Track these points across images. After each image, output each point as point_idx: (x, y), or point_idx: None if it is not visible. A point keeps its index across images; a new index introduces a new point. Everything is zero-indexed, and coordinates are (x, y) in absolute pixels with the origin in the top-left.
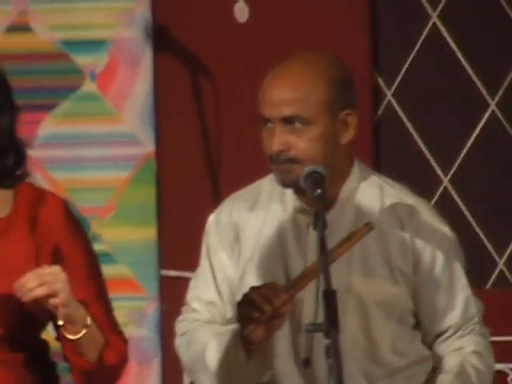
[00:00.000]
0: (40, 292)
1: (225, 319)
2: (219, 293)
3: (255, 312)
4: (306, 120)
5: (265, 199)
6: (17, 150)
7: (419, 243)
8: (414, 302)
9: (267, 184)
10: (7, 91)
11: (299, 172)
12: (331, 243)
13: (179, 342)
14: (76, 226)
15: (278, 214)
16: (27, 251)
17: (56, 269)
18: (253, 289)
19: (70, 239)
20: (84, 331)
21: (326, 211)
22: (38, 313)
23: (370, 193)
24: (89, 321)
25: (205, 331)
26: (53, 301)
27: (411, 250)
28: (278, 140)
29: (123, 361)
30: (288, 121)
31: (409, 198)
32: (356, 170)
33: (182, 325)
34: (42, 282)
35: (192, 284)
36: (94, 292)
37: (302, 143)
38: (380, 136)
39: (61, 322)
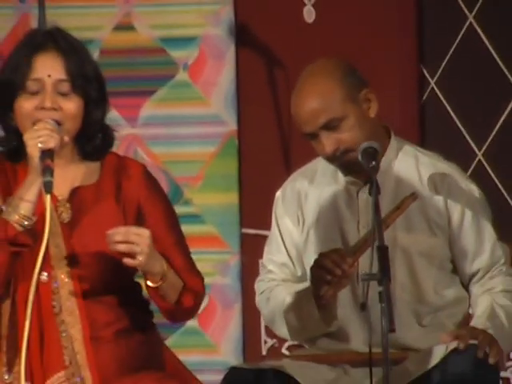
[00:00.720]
0: (121, 248)
1: (296, 277)
2: (289, 255)
3: (327, 275)
4: (338, 118)
5: (320, 175)
6: (105, 133)
7: (451, 201)
8: (451, 249)
9: (321, 162)
10: (102, 87)
11: (355, 158)
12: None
13: (259, 299)
14: (155, 185)
15: (331, 186)
16: (115, 210)
17: (144, 232)
18: (323, 255)
19: (150, 197)
20: (161, 282)
21: (370, 181)
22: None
23: (407, 161)
24: (166, 270)
25: (281, 289)
26: (127, 260)
27: (445, 206)
28: (326, 144)
29: (199, 300)
30: (325, 126)
31: (441, 164)
32: (393, 142)
33: (260, 284)
34: (127, 239)
35: (266, 249)
36: (174, 240)
37: (345, 136)
38: (425, 118)
39: (141, 272)
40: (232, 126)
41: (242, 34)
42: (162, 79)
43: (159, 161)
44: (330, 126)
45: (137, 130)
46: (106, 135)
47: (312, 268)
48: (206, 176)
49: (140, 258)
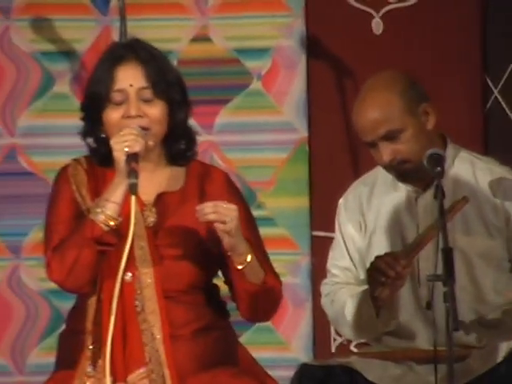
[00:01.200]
0: (211, 217)
1: (358, 280)
2: (352, 260)
3: (382, 276)
4: (397, 130)
5: (380, 183)
6: (189, 136)
7: (508, 203)
8: (508, 250)
9: (381, 171)
10: (184, 91)
11: (411, 168)
12: (434, 215)
13: (324, 301)
14: (236, 191)
15: (391, 193)
16: None
17: (233, 206)
18: (378, 257)
19: (231, 201)
20: (248, 259)
21: (428, 188)
22: (210, 257)
23: (463, 167)
24: (249, 258)
25: (343, 292)
26: (218, 225)
27: (502, 209)
28: (384, 153)
29: (281, 291)
30: (384, 136)
31: (497, 168)
32: (450, 149)
33: (325, 287)
34: (216, 210)
35: (330, 254)
36: (252, 243)
37: (403, 147)
38: (488, 126)
39: (228, 253)
40: (303, 133)
41: (313, 46)
42: (237, 88)
43: (234, 166)
44: (389, 136)
45: (213, 136)
46: (190, 138)
47: (368, 270)
48: (279, 181)
49: (229, 225)
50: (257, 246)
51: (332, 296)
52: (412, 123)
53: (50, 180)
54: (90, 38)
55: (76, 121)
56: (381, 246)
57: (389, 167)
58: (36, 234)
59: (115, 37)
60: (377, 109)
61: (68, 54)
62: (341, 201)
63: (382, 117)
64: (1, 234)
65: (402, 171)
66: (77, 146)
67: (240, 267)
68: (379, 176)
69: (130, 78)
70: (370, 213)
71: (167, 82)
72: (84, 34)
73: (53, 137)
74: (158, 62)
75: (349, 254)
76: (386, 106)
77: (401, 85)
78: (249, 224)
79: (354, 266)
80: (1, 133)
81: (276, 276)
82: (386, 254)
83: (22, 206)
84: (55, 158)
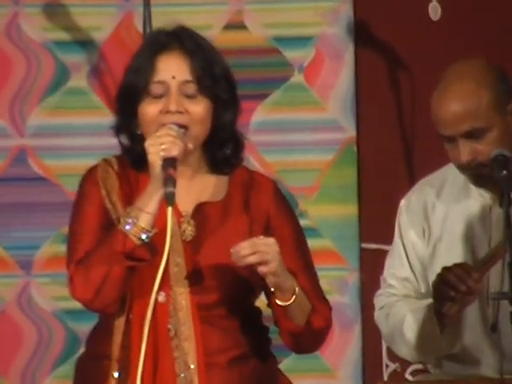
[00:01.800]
0: (252, 259)
1: (418, 293)
2: (412, 270)
3: (451, 291)
4: (482, 129)
5: (450, 185)
6: (235, 141)
7: None
8: None
9: (451, 171)
10: (232, 89)
11: (490, 173)
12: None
13: (378, 315)
14: (284, 203)
15: (462, 198)
16: (243, 228)
17: (270, 240)
18: (446, 269)
19: (279, 215)
20: (293, 298)
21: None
22: (252, 280)
23: None
24: (297, 290)
25: (401, 305)
26: (261, 268)
27: None
28: (463, 152)
29: (328, 326)
30: (466, 133)
31: None
32: None
33: (380, 299)
34: (255, 250)
35: (388, 262)
36: (302, 263)
37: (485, 148)
38: None
39: (272, 289)
40: (350, 131)
41: (362, 33)
42: (276, 82)
43: (272, 170)
44: (472, 134)
45: (249, 136)
46: (237, 143)
47: (434, 283)
48: (323, 186)
49: (273, 265)
50: (306, 269)
51: (388, 309)
52: (499, 122)
53: (64, 186)
54: (110, 26)
55: (94, 119)
56: (447, 257)
57: (465, 168)
58: (49, 248)
59: (138, 24)
60: (462, 101)
61: (85, 43)
62: (402, 202)
63: (466, 111)
64: (9, 248)
65: (479, 174)
66: (95, 148)
67: (283, 304)
68: (449, 177)
69: (172, 69)
70: (435, 218)
71: (214, 76)
72: (103, 20)
73: (67, 137)
74: (206, 53)
75: (409, 262)
76: (472, 99)
77: (491, 77)
78: (298, 246)
79: (415, 276)
80: (9, 133)
81: (326, 305)
82: (455, 266)
83: (32, 216)
84: (70, 160)
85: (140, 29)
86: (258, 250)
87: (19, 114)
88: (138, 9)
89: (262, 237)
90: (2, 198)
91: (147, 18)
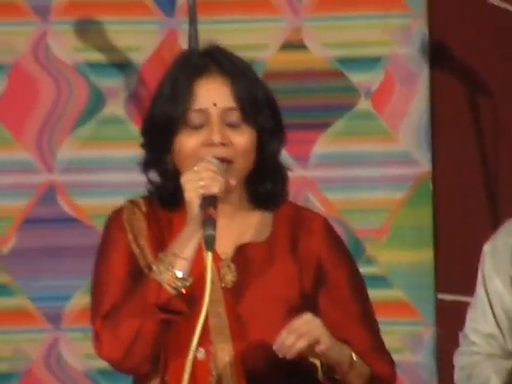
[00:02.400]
0: (302, 344)
1: (505, 351)
2: (498, 324)
3: None
4: None
5: None
6: (280, 173)
7: None
8: None
9: None
10: (277, 116)
11: None
12: None
13: (459, 376)
14: (338, 244)
15: None
16: (290, 273)
17: (308, 317)
18: None
19: (332, 258)
20: (349, 372)
21: None
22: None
23: None
24: (354, 357)
25: (486, 366)
26: (318, 348)
27: None
28: None
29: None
30: None
31: None
32: None
33: (461, 358)
34: (300, 334)
35: (470, 315)
36: (359, 312)
37: None
38: None
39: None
40: (425, 166)
41: (438, 53)
42: (340, 109)
43: (335, 209)
44: None
45: (308, 171)
46: (281, 176)
47: None
48: (393, 228)
49: (324, 340)
50: (364, 319)
51: (470, 370)
52: None
53: (98, 228)
54: (151, 46)
55: (132, 151)
56: None
57: None
58: (81, 298)
59: (183, 43)
60: None
61: (122, 65)
62: (486, 247)
63: None
64: (36, 299)
65: None
66: (133, 185)
67: (340, 378)
68: None
69: (213, 96)
70: None
71: (257, 102)
72: (143, 39)
73: (102, 172)
74: (247, 76)
75: (494, 316)
76: None
77: None
78: (355, 291)
79: (501, 332)
80: (36, 168)
81: (387, 363)
82: None
83: (62, 262)
84: (105, 199)
85: (185, 48)
86: (303, 332)
87: (47, 147)
88: (183, 26)
89: (298, 318)
90: (28, 242)
91: (193, 37)
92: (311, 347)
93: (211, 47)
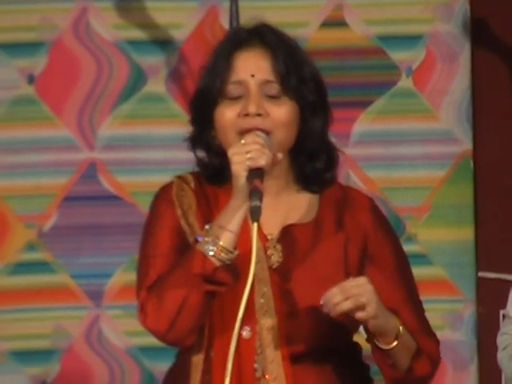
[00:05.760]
0: (346, 306)
1: None
2: None
3: None
4: None
5: None
6: (328, 153)
7: None
8: None
9: None
10: (321, 92)
11: None
12: None
13: (502, 356)
14: (385, 224)
15: None
16: (336, 254)
17: (362, 280)
18: None
19: (378, 238)
20: (395, 342)
21: None
22: (350, 323)
23: None
24: (401, 330)
25: None
26: (360, 314)
27: None
28: None
29: (435, 366)
30: None
31: None
32: None
33: (504, 338)
34: (348, 295)
35: (511, 294)
36: (405, 293)
37: None
38: None
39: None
40: (466, 144)
41: (480, 31)
42: (381, 87)
43: (376, 187)
44: None
45: (349, 149)
46: (329, 156)
47: None
48: (434, 206)
49: (371, 309)
50: (410, 300)
51: None
52: None
53: (139, 205)
54: (192, 23)
55: (173, 129)
56: None
57: None
58: (121, 276)
59: (224, 21)
60: None
61: (163, 43)
62: None
63: None
64: (77, 276)
65: None
66: (175, 162)
67: (385, 348)
68: None
69: (251, 67)
70: None
71: (300, 77)
72: (184, 17)
73: (143, 150)
74: (291, 50)
75: None
76: None
77: None
78: (400, 272)
79: None
80: (77, 145)
81: (433, 342)
82: None
83: (103, 240)
84: (146, 176)
85: (226, 26)
86: (351, 295)
87: (88, 124)
88: (224, 3)
89: (351, 278)
90: (69, 220)
91: (234, 14)
92: (357, 310)
93: (258, 24)
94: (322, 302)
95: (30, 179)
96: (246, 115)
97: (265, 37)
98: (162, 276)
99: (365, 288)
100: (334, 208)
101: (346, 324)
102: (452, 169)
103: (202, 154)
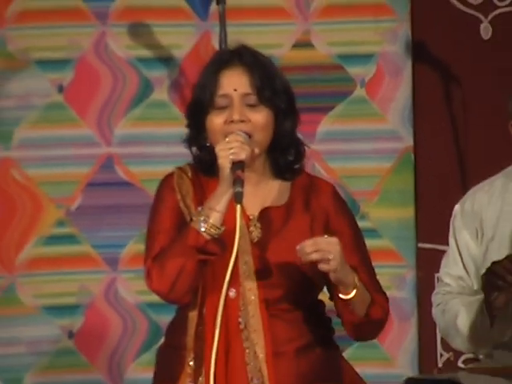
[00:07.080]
0: (314, 257)
1: (472, 290)
2: (466, 268)
3: (498, 280)
4: None
5: (500, 191)
6: (297, 148)
7: None
8: None
9: (500, 178)
10: (291, 100)
11: None
12: None
13: (435, 311)
14: (343, 204)
15: None
16: (303, 230)
17: (333, 240)
18: (495, 262)
19: (338, 215)
20: (354, 292)
21: None
22: (316, 276)
23: None
24: (358, 283)
25: (456, 302)
26: (323, 266)
27: None
28: None
29: (386, 315)
30: None
31: None
32: None
33: (437, 297)
34: (318, 248)
35: (443, 262)
36: (360, 258)
37: None
38: None
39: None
40: (408, 141)
41: (419, 51)
42: (340, 95)
43: (336, 175)
44: None
45: (314, 145)
46: (298, 150)
47: (483, 275)
48: (383, 191)
49: (333, 263)
50: (364, 264)
51: (443, 306)
52: None
53: (147, 190)
54: (189, 44)
55: (174, 129)
56: (498, 255)
57: None
58: (133, 246)
59: (215, 42)
60: None
61: (166, 60)
62: (457, 207)
63: None
64: (97, 246)
65: None
66: (175, 156)
67: (345, 297)
68: (498, 183)
69: (234, 83)
70: (487, 220)
71: (273, 89)
72: (183, 39)
73: (150, 146)
74: (265, 69)
75: (462, 262)
76: None
77: None
78: (356, 243)
79: (468, 274)
80: (97, 142)
81: (383, 297)
82: (504, 259)
83: (119, 217)
84: (153, 167)
85: (216, 46)
86: (321, 249)
87: (107, 125)
88: (215, 28)
89: (326, 236)
90: (92, 201)
91: (223, 37)
92: (322, 262)
93: (239, 46)
94: (297, 248)
95: (60, 169)
96: (232, 122)
97: (243, 57)
98: (164, 248)
99: (334, 246)
100: (303, 193)
101: (313, 282)
102: (397, 161)
103: (196, 151)
